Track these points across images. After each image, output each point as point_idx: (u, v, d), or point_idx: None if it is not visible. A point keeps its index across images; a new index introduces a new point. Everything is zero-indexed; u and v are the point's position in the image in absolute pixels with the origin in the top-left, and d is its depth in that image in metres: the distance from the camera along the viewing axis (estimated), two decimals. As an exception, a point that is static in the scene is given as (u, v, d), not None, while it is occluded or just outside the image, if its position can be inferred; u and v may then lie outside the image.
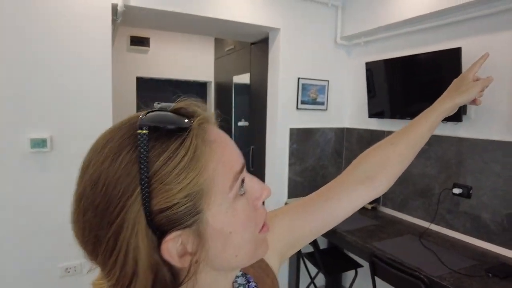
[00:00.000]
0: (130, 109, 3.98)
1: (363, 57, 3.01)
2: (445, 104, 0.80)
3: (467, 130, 2.23)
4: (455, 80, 0.84)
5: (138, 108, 4.53)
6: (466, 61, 2.15)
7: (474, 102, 0.83)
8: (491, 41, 2.09)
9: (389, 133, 2.75)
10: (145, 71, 4.22)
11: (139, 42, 4.17)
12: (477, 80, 0.82)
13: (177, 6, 2.39)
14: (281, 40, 2.84)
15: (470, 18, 2.18)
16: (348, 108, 3.24)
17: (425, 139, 0.78)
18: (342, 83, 3.19)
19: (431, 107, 0.81)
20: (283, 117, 2.92)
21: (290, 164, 2.98)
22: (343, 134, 3.24)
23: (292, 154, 2.98)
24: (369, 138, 2.95)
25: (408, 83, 2.53)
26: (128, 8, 2.24)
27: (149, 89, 4.36)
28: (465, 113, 2.21)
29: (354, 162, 0.76)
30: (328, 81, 3.07)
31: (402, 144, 0.75)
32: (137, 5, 2.25)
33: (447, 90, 0.84)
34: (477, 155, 2.15)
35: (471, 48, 2.17)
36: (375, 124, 2.92)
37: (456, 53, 2.11)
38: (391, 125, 2.77)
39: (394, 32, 2.67)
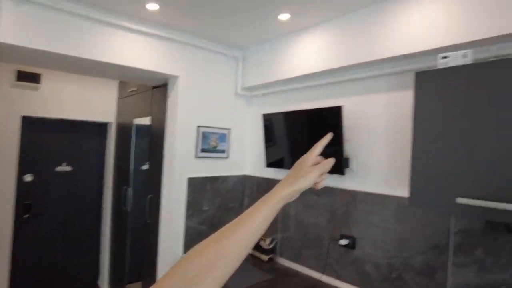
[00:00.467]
0: (10, 151, 3.47)
1: (261, 107, 3.11)
2: (283, 191, 0.73)
3: (350, 182, 2.37)
4: (296, 163, 0.80)
5: (22, 150, 4.03)
6: (347, 116, 2.33)
7: (315, 185, 0.79)
8: (369, 101, 2.30)
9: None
10: (33, 110, 3.76)
11: (29, 78, 3.73)
12: (317, 163, 0.79)
13: (71, 49, 2.22)
14: (180, 87, 2.78)
15: (352, 79, 2.40)
16: (248, 156, 3.26)
17: (261, 230, 0.70)
18: (243, 131, 3.23)
19: (271, 191, 0.74)
20: (181, 166, 2.79)
21: (188, 216, 2.82)
22: (244, 181, 3.22)
23: (190, 204, 2.83)
24: (267, 187, 2.96)
25: (299, 135, 2.64)
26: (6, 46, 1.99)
27: (38, 130, 3.87)
28: (347, 166, 2.36)
29: (180, 262, 0.63)
30: (229, 129, 3.08)
31: (231, 241, 0.65)
32: (17, 43, 2.01)
33: (288, 174, 0.79)
34: (360, 207, 2.28)
35: (351, 105, 2.37)
36: (272, 173, 2.96)
37: (337, 110, 2.28)
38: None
39: (288, 86, 2.82)
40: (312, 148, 0.81)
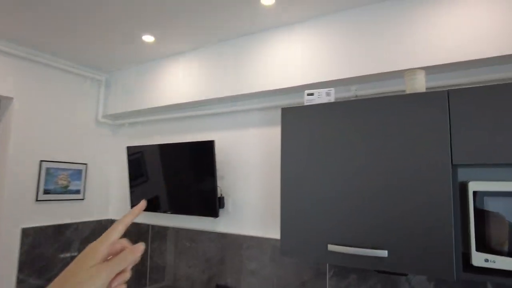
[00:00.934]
0: None
1: (130, 139, 2.69)
2: None
3: (225, 224, 2.14)
4: (78, 257, 0.48)
5: None
6: (222, 151, 2.13)
7: None
8: (243, 136, 2.15)
9: (155, 227, 2.57)
10: None
11: None
12: (115, 254, 0.49)
13: None
14: (14, 111, 2.18)
15: (225, 113, 2.22)
16: (113, 196, 2.76)
17: None
18: (106, 167, 2.73)
19: None
20: (11, 214, 2.13)
21: (22, 279, 2.14)
22: (107, 228, 2.69)
23: (25, 263, 2.16)
24: (137, 233, 2.52)
25: (173, 170, 2.32)
26: None
27: None
28: (222, 206, 2.13)
29: None
30: (86, 164, 2.55)
31: None
32: None
33: (59, 277, 0.46)
34: (236, 252, 2.05)
35: (226, 140, 2.18)
36: (145, 217, 2.53)
37: (210, 145, 2.05)
38: (158, 218, 2.45)
39: (159, 116, 2.49)
40: (108, 230, 0.50)
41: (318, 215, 1.36)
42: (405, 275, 1.47)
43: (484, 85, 1.21)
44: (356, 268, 1.65)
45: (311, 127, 1.42)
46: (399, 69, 1.54)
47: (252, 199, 2.06)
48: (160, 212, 2.27)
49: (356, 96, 1.75)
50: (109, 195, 2.74)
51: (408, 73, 1.33)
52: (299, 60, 1.81)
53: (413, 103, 1.22)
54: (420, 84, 1.31)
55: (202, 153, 2.10)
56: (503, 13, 1.35)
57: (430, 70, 1.53)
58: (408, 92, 1.32)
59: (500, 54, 1.34)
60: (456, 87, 1.51)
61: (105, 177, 2.71)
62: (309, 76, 1.77)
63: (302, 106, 1.47)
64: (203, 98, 2.15)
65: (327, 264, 1.73)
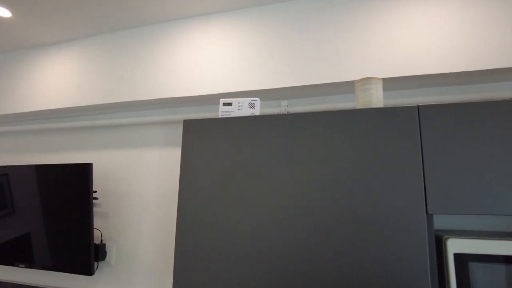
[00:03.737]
0: None
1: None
2: None
3: (106, 282, 1.51)
4: None
5: None
6: (105, 177, 1.53)
7: None
8: (138, 157, 1.58)
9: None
10: None
11: None
12: None
13: None
14: None
15: (112, 126, 1.64)
16: None
17: None
18: None
19: None
20: None
21: None
22: None
23: None
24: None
25: (45, 199, 1.62)
26: None
27: None
28: (103, 258, 1.50)
29: None
30: None
31: None
32: None
33: None
34: (117, 324, 1.43)
35: (112, 162, 1.59)
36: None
37: (86, 169, 1.44)
38: (17, 272, 1.69)
39: (20, 127, 1.79)
40: None
41: (223, 263, 0.86)
42: None
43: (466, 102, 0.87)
44: None
45: (222, 146, 0.95)
46: (346, 80, 1.18)
47: (146, 246, 1.48)
48: (17, 266, 1.54)
49: (288, 112, 1.34)
50: None
51: (360, 82, 0.95)
52: (215, 63, 1.35)
53: (369, 120, 0.83)
54: (376, 97, 0.94)
55: (75, 182, 1.47)
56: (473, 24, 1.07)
57: (389, 83, 1.19)
58: (359, 107, 0.94)
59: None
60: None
61: None
62: (230, 84, 1.31)
63: (214, 118, 0.99)
64: (83, 104, 1.54)
65: None
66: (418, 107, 0.80)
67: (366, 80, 0.94)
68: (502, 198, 0.72)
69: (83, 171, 1.44)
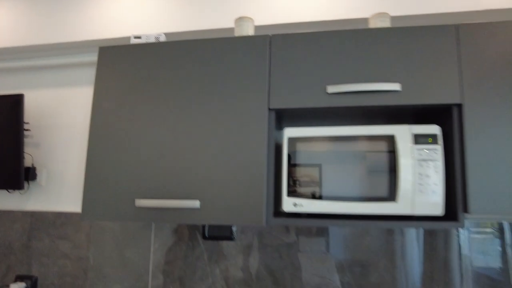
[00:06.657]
0: None
1: None
2: None
3: (36, 201, 1.73)
4: None
5: None
6: (39, 113, 1.73)
7: None
8: (68, 95, 1.79)
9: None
10: None
11: None
12: None
13: None
14: None
15: (44, 67, 1.83)
16: None
17: None
18: None
19: None
20: None
21: None
22: None
23: None
24: None
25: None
26: None
27: None
28: (33, 178, 1.72)
29: None
30: None
31: None
32: None
33: None
34: (47, 233, 1.66)
35: (44, 99, 1.79)
36: None
37: (17, 100, 1.63)
38: None
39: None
40: None
41: (127, 169, 1.16)
42: (230, 239, 1.40)
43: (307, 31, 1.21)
44: (183, 237, 1.51)
45: (129, 70, 1.23)
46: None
47: (75, 169, 1.72)
48: None
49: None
50: None
51: (238, 19, 1.29)
52: (128, 10, 1.60)
53: (238, 48, 1.17)
54: (247, 32, 1.28)
55: (7, 111, 1.65)
56: None
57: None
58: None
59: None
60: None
61: None
62: (136, 28, 1.57)
63: (125, 45, 1.27)
64: (17, 45, 1.72)
65: (152, 235, 1.55)
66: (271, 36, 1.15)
67: (241, 18, 1.27)
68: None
69: (15, 101, 1.63)
